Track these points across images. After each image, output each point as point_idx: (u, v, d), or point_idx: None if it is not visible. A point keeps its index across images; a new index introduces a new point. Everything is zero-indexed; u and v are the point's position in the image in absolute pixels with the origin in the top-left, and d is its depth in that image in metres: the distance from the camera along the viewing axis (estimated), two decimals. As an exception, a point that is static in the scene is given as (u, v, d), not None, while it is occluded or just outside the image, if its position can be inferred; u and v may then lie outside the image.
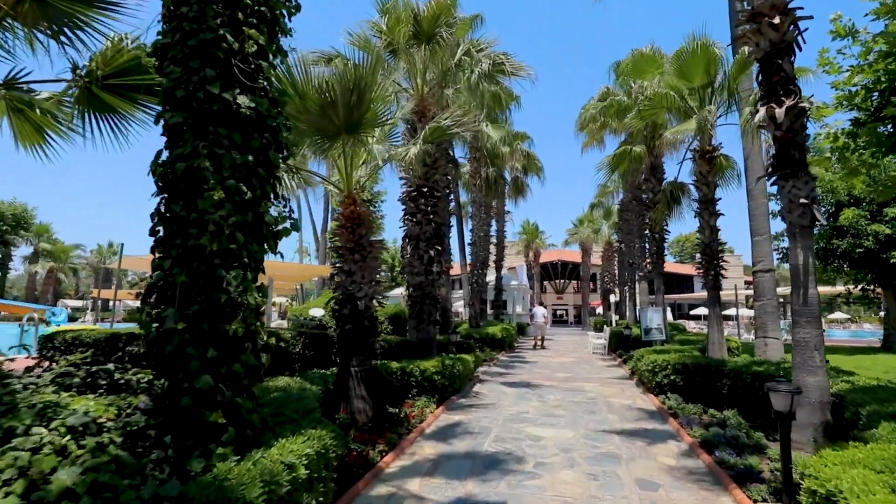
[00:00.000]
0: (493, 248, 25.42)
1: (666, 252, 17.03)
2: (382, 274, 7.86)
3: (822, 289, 31.49)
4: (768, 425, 6.53)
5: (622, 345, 16.34)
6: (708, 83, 10.06)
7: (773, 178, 6.23)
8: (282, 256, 4.30)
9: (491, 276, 26.86)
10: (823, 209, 17.88)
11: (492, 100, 15.42)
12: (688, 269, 51.40)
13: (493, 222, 26.55)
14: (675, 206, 12.54)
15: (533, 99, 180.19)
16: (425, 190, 10.31)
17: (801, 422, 5.70)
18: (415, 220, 10.27)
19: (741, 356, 9.87)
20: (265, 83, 3.91)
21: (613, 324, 21.94)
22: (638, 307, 18.33)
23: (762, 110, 6.11)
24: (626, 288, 20.24)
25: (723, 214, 10.64)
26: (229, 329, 3.42)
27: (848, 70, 7.08)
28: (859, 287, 19.32)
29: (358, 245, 7.33)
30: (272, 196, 3.99)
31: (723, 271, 10.46)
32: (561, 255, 52.20)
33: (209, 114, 3.53)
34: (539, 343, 20.13)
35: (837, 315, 61.89)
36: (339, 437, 4.12)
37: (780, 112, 5.89)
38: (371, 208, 19.97)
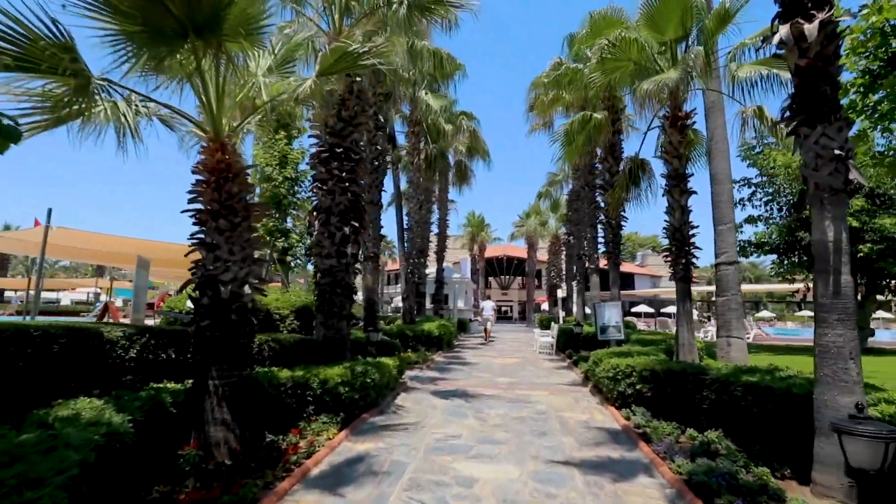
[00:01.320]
0: (434, 239, 23.56)
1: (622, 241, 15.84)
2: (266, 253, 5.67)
3: (778, 287, 31.66)
4: (769, 454, 4.95)
5: (571, 344, 14.88)
6: (683, 36, 8.53)
7: (793, 125, 4.63)
8: None
9: (432, 269, 24.94)
10: (785, 199, 17.17)
11: (433, 64, 13.44)
12: (630, 267, 52.02)
13: (436, 209, 24.68)
14: (633, 189, 11.08)
15: (480, 97, 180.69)
16: (340, 151, 8.14)
17: (827, 457, 4.11)
18: (325, 188, 8.08)
19: (716, 362, 8.43)
20: None
21: (561, 321, 20.63)
22: (587, 303, 17.02)
23: (783, 30, 4.46)
24: (574, 283, 18.89)
25: (695, 192, 9.22)
26: None
27: (862, 9, 5.63)
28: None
29: (226, 208, 5.10)
30: None
31: (694, 259, 9.00)
32: (506, 250, 51.23)
33: None
34: (487, 336, 20.85)
35: (764, 314, 65.23)
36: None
37: (810, 28, 4.23)
38: (295, 190, 17.50)
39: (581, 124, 10.84)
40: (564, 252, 23.71)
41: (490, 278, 54.40)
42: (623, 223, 12.72)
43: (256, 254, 5.57)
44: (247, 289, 5.15)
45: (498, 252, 51.17)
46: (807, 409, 4.49)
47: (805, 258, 16.61)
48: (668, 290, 55.67)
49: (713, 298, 10.04)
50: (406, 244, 16.80)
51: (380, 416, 7.06)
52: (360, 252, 9.51)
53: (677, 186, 8.83)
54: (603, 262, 14.74)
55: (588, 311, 16.85)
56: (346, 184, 8.13)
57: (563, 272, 24.63)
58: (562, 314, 21.03)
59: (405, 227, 17.06)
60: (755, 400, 5.34)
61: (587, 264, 16.22)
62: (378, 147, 12.30)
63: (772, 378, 5.63)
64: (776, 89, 8.79)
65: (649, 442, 5.78)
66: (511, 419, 6.98)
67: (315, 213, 8.20)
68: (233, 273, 5.02)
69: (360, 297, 15.33)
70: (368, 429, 6.34)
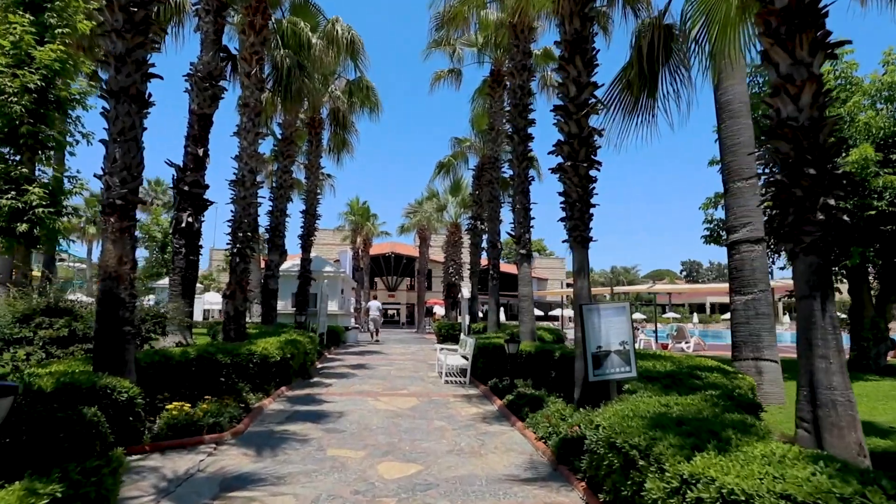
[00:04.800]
0: (301, 223, 17.16)
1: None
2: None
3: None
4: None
5: (497, 368, 9.60)
6: None
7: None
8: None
9: (287, 264, 18.44)
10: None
11: None
12: (514, 268, 49.31)
13: (303, 177, 18.29)
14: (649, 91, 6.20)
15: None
16: None
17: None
18: None
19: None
20: None
21: (466, 329, 15.38)
22: (502, 305, 12.01)
23: None
24: (492, 279, 13.73)
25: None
26: None
27: None
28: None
29: None
30: None
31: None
32: (394, 247, 45.50)
33: None
34: (374, 337, 20.99)
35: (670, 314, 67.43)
36: None
37: None
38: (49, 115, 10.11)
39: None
40: (470, 241, 18.64)
41: (376, 278, 48.24)
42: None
43: None
44: None
45: (385, 249, 45.22)
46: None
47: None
48: (554, 291, 54.61)
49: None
50: (233, 207, 10.22)
51: None
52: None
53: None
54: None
55: (504, 318, 11.78)
56: None
57: (469, 265, 19.59)
58: (467, 321, 15.88)
59: (235, 174, 10.42)
60: None
61: (519, 251, 11.09)
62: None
63: None
64: None
65: None
66: None
67: None
68: None
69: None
70: None
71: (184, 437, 5.54)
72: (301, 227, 17.92)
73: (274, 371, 8.75)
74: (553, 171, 7.79)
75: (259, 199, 10.71)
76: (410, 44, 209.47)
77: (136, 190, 6.15)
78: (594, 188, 7.48)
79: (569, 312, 46.32)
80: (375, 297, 34.37)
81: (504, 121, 15.45)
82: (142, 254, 26.91)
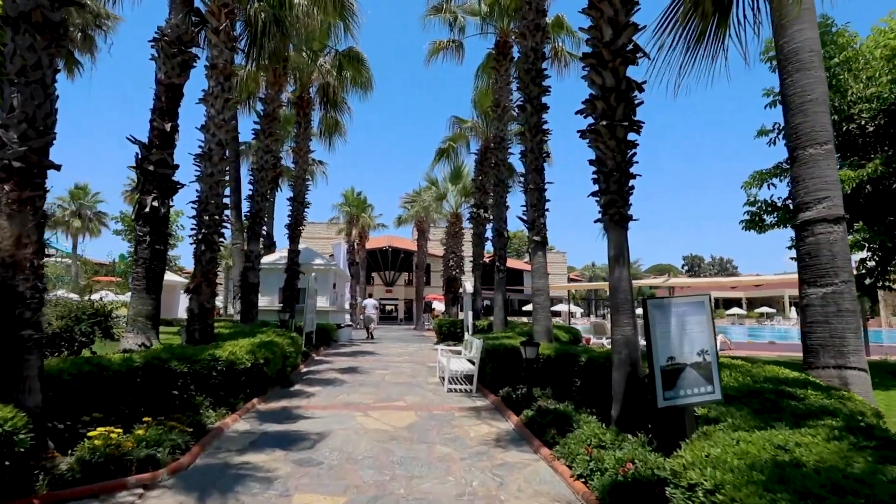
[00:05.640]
0: (292, 214, 15.71)
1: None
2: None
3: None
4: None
5: (508, 374, 8.19)
6: None
7: None
8: None
9: (281, 254, 17.05)
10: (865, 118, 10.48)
11: None
12: (517, 263, 47.92)
13: (291, 162, 16.90)
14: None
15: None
16: None
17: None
18: None
19: None
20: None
21: (470, 328, 13.98)
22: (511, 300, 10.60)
23: None
24: (498, 271, 12.30)
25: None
26: None
27: None
28: None
29: None
30: None
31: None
32: (392, 240, 44.06)
33: None
34: (369, 335, 20.67)
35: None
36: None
37: None
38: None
39: None
40: (473, 231, 17.17)
41: (372, 273, 46.80)
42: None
43: None
44: None
45: (382, 243, 43.77)
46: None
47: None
48: (556, 286, 53.16)
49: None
50: (199, 185, 8.72)
51: None
52: None
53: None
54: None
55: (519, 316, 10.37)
56: None
57: (471, 258, 18.13)
58: (470, 318, 14.46)
59: (201, 147, 8.93)
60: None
61: (532, 238, 9.65)
62: None
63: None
64: None
65: None
66: None
67: None
68: None
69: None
70: None
71: (100, 481, 4.09)
72: (288, 215, 16.44)
73: (243, 380, 7.32)
74: (582, 134, 6.34)
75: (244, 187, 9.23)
76: (410, 37, 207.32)
77: (43, 149, 4.67)
78: (635, 154, 6.04)
79: (567, 308, 45.11)
80: (371, 295, 33.09)
81: (511, 95, 13.98)
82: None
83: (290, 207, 16.46)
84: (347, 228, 32.41)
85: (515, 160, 14.37)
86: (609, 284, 5.92)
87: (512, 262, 43.47)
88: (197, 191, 8.70)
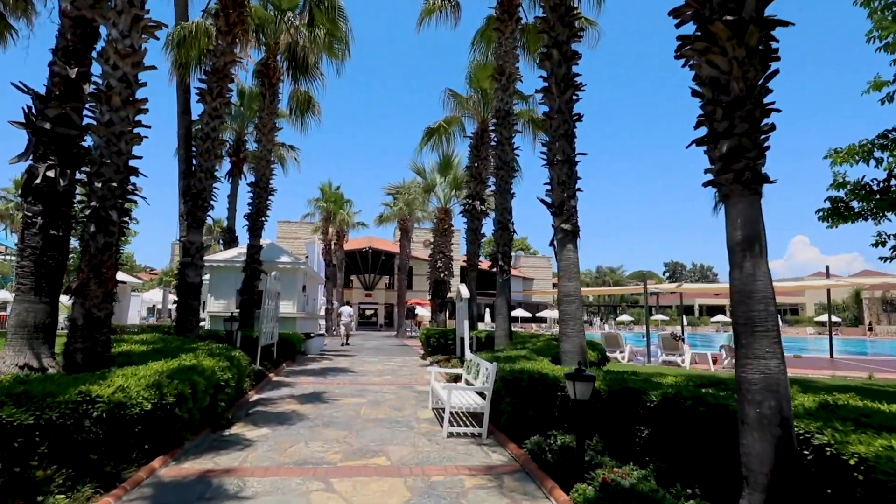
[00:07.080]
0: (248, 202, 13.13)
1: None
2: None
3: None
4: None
5: (536, 414, 5.77)
6: None
7: None
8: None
9: (239, 250, 14.47)
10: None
11: None
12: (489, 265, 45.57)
13: (255, 141, 14.37)
14: None
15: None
16: None
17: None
18: None
19: None
20: None
21: (468, 342, 11.52)
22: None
23: None
24: (501, 273, 9.82)
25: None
26: None
27: None
28: None
29: None
30: None
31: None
32: (372, 241, 41.34)
33: None
34: (345, 340, 21.12)
35: (624, 317, 63.87)
36: None
37: None
38: None
39: None
40: (467, 226, 14.72)
41: (351, 276, 43.97)
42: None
43: None
44: None
45: (362, 244, 41.01)
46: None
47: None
48: (542, 291, 51.13)
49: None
50: (93, 140, 6.10)
51: None
52: None
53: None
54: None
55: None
56: None
57: (464, 259, 15.68)
58: (466, 329, 12.00)
59: (95, 86, 6.30)
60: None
61: (561, 226, 7.23)
62: None
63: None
64: None
65: None
66: None
67: None
68: None
69: None
70: None
71: None
72: (249, 203, 13.77)
73: (139, 430, 4.71)
74: (683, 44, 3.98)
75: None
76: (405, 29, 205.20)
77: None
78: (776, 73, 3.72)
79: (555, 314, 42.97)
80: (349, 302, 30.45)
81: (517, 62, 11.64)
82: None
83: (252, 194, 13.80)
84: (324, 226, 29.63)
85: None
86: (731, 287, 3.59)
87: (486, 264, 41.26)
88: (91, 148, 6.06)
